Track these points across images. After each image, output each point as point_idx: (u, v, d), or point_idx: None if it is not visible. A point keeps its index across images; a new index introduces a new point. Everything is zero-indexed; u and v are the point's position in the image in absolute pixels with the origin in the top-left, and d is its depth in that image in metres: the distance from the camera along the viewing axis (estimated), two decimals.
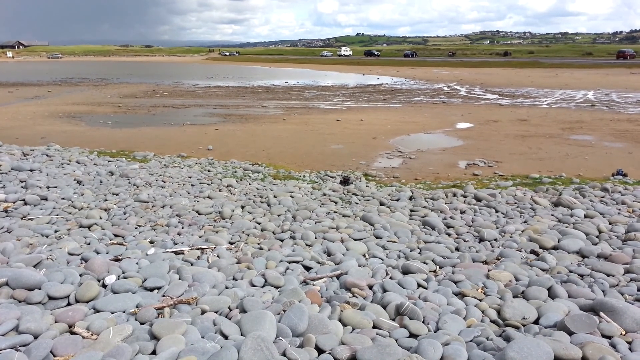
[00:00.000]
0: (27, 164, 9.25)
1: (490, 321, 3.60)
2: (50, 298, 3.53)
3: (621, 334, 3.22)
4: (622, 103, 23.98)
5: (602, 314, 3.42)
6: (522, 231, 6.19)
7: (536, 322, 3.52)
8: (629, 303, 3.69)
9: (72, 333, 3.02)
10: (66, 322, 3.15)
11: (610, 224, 6.47)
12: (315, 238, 5.93)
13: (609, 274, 4.59)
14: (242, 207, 7.38)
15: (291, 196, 7.98)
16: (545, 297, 3.95)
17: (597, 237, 5.97)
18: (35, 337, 2.91)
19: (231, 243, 5.81)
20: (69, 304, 3.53)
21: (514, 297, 3.98)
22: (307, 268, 4.89)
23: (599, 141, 14.16)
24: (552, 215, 7.03)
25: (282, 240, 5.91)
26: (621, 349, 2.97)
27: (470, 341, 3.18)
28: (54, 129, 16.06)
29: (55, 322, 3.17)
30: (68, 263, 4.58)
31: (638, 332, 3.27)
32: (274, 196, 7.91)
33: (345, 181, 9.30)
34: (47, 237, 5.71)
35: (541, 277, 4.39)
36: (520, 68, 60.66)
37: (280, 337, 3.00)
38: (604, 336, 3.17)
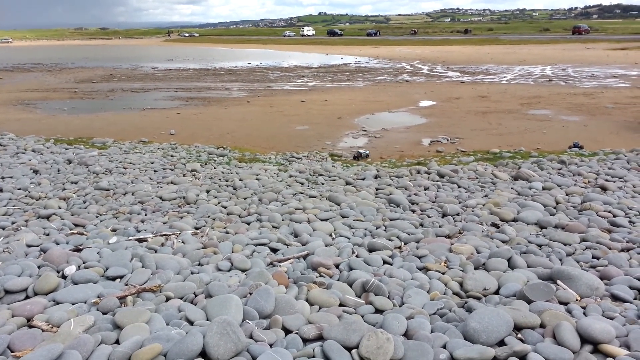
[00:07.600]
0: None
1: (453, 293, 3.69)
2: (7, 292, 3.42)
3: (577, 300, 3.36)
4: (578, 77, 24.68)
5: (559, 281, 3.56)
6: (483, 205, 6.34)
7: (497, 292, 3.63)
8: (584, 270, 3.86)
9: (31, 327, 2.93)
10: (24, 315, 3.07)
11: (567, 195, 6.69)
12: (282, 220, 5.92)
13: (565, 243, 4.77)
14: (207, 192, 7.28)
15: (257, 179, 7.91)
16: (505, 267, 4.07)
17: (554, 208, 6.16)
18: None
19: (196, 228, 5.74)
20: (27, 297, 3.43)
21: (475, 269, 4.09)
22: (274, 250, 4.88)
23: (556, 115, 14.57)
24: (512, 188, 7.22)
25: (248, 224, 5.87)
26: (576, 314, 3.10)
27: (434, 313, 3.26)
28: (7, 117, 15.38)
29: (13, 316, 3.08)
30: (26, 255, 4.44)
31: (592, 297, 3.43)
32: (240, 179, 7.83)
33: (358, 157, 9.92)
34: (3, 229, 5.50)
35: (501, 248, 4.52)
36: (480, 45, 61.46)
37: (247, 320, 3.00)
38: (561, 303, 3.30)
